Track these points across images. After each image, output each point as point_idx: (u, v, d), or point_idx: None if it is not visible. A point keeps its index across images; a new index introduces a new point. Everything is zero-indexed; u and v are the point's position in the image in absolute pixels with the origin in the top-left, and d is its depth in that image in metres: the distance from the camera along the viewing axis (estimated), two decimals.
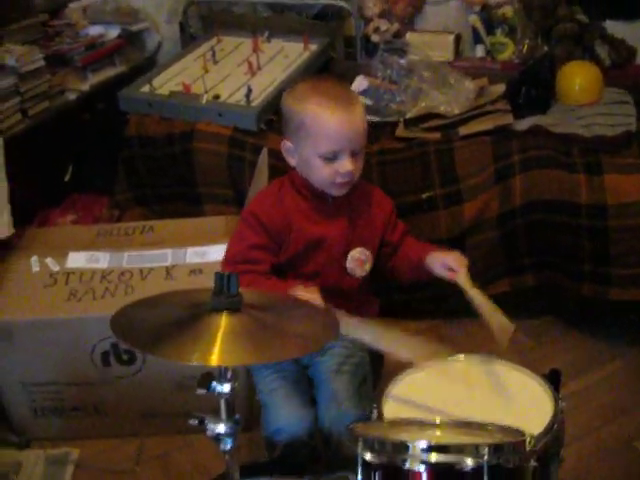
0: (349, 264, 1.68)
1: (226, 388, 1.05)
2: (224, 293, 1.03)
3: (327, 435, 1.57)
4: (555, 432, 1.26)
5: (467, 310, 2.44)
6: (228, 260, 1.66)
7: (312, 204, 1.65)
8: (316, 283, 1.61)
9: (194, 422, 1.09)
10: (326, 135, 1.54)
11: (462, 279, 1.58)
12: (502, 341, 1.48)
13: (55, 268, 2.08)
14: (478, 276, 2.32)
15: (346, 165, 1.55)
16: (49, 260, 2.10)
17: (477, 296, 1.56)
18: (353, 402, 1.56)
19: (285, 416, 1.56)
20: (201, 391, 1.06)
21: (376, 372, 1.74)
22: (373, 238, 1.72)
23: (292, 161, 1.64)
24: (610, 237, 2.17)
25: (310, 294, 1.46)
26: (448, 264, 1.60)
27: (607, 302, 2.23)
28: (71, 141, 2.73)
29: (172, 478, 1.99)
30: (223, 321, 1.01)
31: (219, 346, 0.97)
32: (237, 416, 1.09)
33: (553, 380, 1.39)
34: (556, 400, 1.32)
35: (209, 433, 1.08)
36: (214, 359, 0.96)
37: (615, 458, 1.96)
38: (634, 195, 2.15)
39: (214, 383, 1.05)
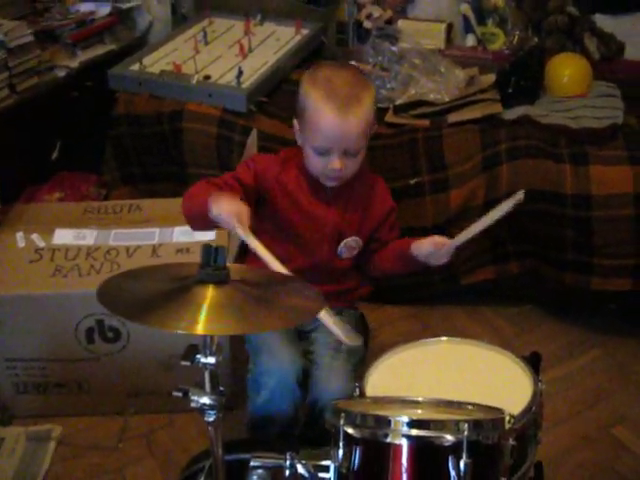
0: (341, 248, 1.72)
1: (210, 360, 1.05)
2: (211, 265, 1.04)
3: (318, 412, 1.59)
4: (534, 413, 1.28)
5: (449, 297, 2.48)
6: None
7: (312, 185, 1.67)
8: (306, 257, 1.67)
9: (178, 394, 1.09)
10: (319, 131, 1.56)
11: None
12: None
13: (41, 244, 2.08)
14: (463, 263, 2.37)
15: (334, 163, 1.57)
16: (35, 236, 2.10)
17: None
18: (349, 382, 1.58)
19: (276, 357, 1.59)
20: (185, 363, 1.06)
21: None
22: (366, 228, 1.75)
23: (298, 140, 1.67)
24: (594, 227, 2.20)
25: (234, 210, 1.42)
26: (434, 244, 1.60)
27: (588, 291, 2.26)
28: (59, 118, 2.71)
29: (155, 456, 2.00)
30: (210, 293, 1.02)
31: (205, 316, 0.98)
32: (221, 388, 1.10)
33: (533, 363, 1.41)
34: (535, 382, 1.34)
35: (193, 404, 1.09)
36: (200, 328, 0.97)
37: (593, 444, 2.00)
38: (618, 187, 2.17)
39: (198, 355, 1.06)
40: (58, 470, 1.96)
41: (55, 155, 2.77)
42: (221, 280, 1.04)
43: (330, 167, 1.58)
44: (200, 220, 1.53)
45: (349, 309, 1.82)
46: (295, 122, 1.66)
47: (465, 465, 1.03)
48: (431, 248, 1.60)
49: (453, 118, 2.34)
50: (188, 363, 1.06)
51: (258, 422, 1.64)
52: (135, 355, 2.01)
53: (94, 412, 2.09)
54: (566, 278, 2.28)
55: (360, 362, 1.67)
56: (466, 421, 1.05)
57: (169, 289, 1.05)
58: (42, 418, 2.09)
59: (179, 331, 0.96)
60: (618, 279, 2.23)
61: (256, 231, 1.44)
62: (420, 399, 1.21)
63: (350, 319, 1.77)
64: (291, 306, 1.10)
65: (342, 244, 1.72)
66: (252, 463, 1.17)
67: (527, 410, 1.26)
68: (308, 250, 1.71)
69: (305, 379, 1.64)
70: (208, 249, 1.03)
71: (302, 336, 1.76)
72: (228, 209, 1.41)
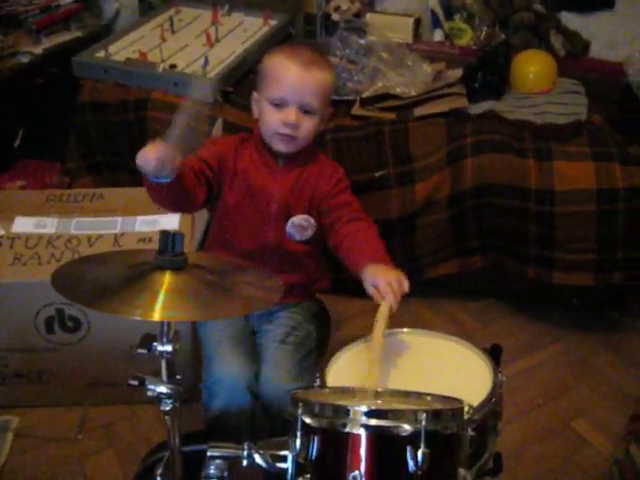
0: (289, 229, 1.70)
1: (167, 347, 1.04)
2: (169, 252, 1.02)
3: (267, 405, 1.59)
4: (493, 404, 1.29)
5: (412, 290, 2.48)
6: None
7: (264, 159, 1.69)
8: (254, 239, 1.66)
9: (134, 382, 1.08)
10: (278, 79, 1.60)
11: (383, 307, 1.44)
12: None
13: (0, 232, 2.04)
14: (427, 257, 2.37)
15: (290, 115, 1.59)
16: None
17: (377, 333, 1.39)
18: (293, 374, 1.59)
19: (226, 366, 1.58)
20: (142, 351, 1.05)
21: (323, 346, 1.76)
22: (315, 205, 1.72)
23: (255, 112, 1.69)
24: (556, 222, 2.21)
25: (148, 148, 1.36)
26: (378, 284, 1.47)
27: (551, 286, 2.28)
28: (23, 105, 2.66)
29: (115, 447, 1.98)
30: (167, 279, 1.01)
31: (162, 302, 0.97)
32: (178, 377, 1.09)
33: (494, 354, 1.42)
34: (496, 373, 1.35)
35: (150, 393, 1.08)
36: (156, 315, 0.95)
37: (553, 436, 2.02)
38: (581, 182, 2.19)
39: (155, 343, 1.04)
40: (16, 462, 1.93)
41: (17, 142, 2.72)
42: (178, 266, 1.03)
43: (285, 120, 1.59)
44: (151, 189, 1.47)
45: (309, 301, 1.81)
46: (253, 94, 1.69)
47: (423, 455, 1.03)
48: (370, 289, 1.49)
49: (419, 112, 2.35)
50: (145, 351, 1.04)
51: (214, 426, 1.62)
52: (95, 345, 1.98)
53: (53, 403, 2.06)
54: (529, 272, 2.29)
55: (309, 354, 1.67)
56: (424, 411, 1.05)
57: (126, 275, 1.04)
58: (0, 409, 2.05)
59: (135, 317, 0.94)
60: (580, 274, 2.25)
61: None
62: (379, 389, 1.21)
63: (309, 310, 1.77)
64: (248, 294, 1.09)
65: (289, 223, 1.69)
66: (209, 453, 1.16)
67: (487, 401, 1.27)
68: (255, 231, 1.69)
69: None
70: (166, 235, 1.02)
71: (254, 332, 1.75)
72: (149, 153, 1.34)
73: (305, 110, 1.61)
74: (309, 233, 1.72)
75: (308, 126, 1.62)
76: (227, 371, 1.57)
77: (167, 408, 1.09)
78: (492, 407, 1.29)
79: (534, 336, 2.37)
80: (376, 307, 1.43)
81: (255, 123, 1.71)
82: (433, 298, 2.49)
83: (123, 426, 2.04)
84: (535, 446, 1.98)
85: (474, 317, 2.44)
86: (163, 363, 1.06)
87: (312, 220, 1.71)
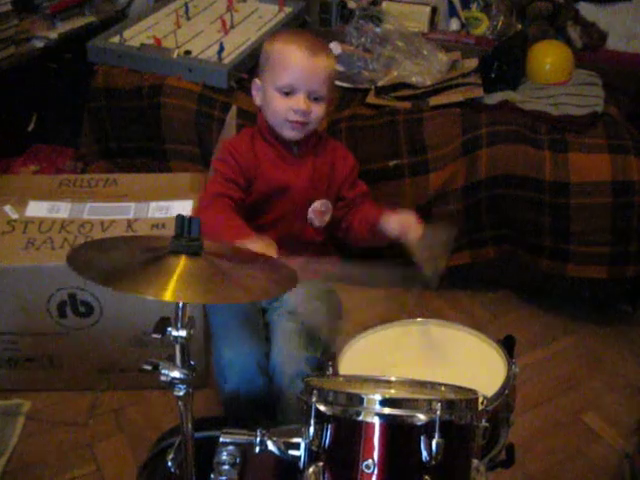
0: (310, 214, 1.71)
1: (182, 333, 1.04)
2: (184, 236, 1.02)
3: (279, 376, 1.58)
4: (506, 396, 1.28)
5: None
6: (210, 193, 1.64)
7: (278, 152, 1.68)
8: (278, 231, 1.63)
9: (148, 367, 1.08)
10: (285, 67, 1.59)
11: (412, 237, 1.56)
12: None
13: (14, 216, 2.04)
14: None
15: (299, 102, 1.59)
16: (8, 208, 2.06)
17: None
18: (304, 343, 1.59)
19: (236, 348, 1.58)
20: (156, 336, 1.04)
21: (334, 331, 1.76)
22: (333, 191, 1.74)
23: (257, 99, 1.68)
24: (571, 214, 2.20)
25: (265, 246, 1.42)
26: (402, 222, 1.59)
27: (564, 278, 2.27)
28: (36, 90, 2.66)
29: (125, 432, 1.99)
30: (182, 263, 1.01)
31: (175, 284, 0.96)
32: (192, 362, 1.09)
33: (508, 346, 1.41)
34: (509, 364, 1.34)
35: (163, 378, 1.07)
36: (168, 295, 0.95)
37: (563, 429, 2.01)
38: (596, 175, 2.18)
39: (169, 328, 1.04)
40: (26, 445, 1.94)
41: (31, 127, 2.72)
42: (194, 251, 1.03)
43: (295, 107, 1.59)
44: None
45: (317, 280, 1.77)
46: (255, 81, 1.68)
47: (437, 445, 1.02)
48: (397, 227, 1.60)
49: (434, 101, 2.33)
50: (159, 336, 1.04)
51: (230, 407, 1.63)
52: (107, 330, 1.99)
53: (64, 387, 2.07)
54: (542, 264, 2.28)
55: (320, 326, 1.66)
56: (439, 401, 1.04)
57: (141, 258, 1.03)
58: (11, 393, 2.06)
59: (148, 297, 0.94)
60: (594, 267, 2.24)
61: None
62: (393, 379, 1.20)
63: (316, 287, 1.75)
64: (262, 280, 1.09)
65: (311, 209, 1.70)
66: (222, 439, 1.15)
67: (500, 392, 1.26)
68: (279, 223, 1.69)
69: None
70: (182, 219, 1.01)
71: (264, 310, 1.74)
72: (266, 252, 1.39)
73: (314, 97, 1.61)
74: (326, 218, 1.74)
75: (317, 112, 1.62)
76: (237, 353, 1.57)
77: (180, 393, 1.09)
78: (505, 399, 1.28)
79: (546, 328, 2.36)
80: (386, 295, 1.46)
81: (259, 112, 1.70)
82: (445, 289, 2.48)
83: (133, 411, 2.05)
84: (545, 439, 1.98)
85: (486, 308, 2.44)
86: (177, 348, 1.06)
87: (329, 204, 1.73)
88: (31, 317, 1.97)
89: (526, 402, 2.04)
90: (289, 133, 1.64)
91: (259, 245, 1.41)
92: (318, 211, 1.72)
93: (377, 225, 1.65)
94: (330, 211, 1.74)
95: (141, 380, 2.05)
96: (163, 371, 1.07)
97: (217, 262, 1.05)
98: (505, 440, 1.31)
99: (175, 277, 0.98)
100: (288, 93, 1.59)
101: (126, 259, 1.04)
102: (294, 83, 1.58)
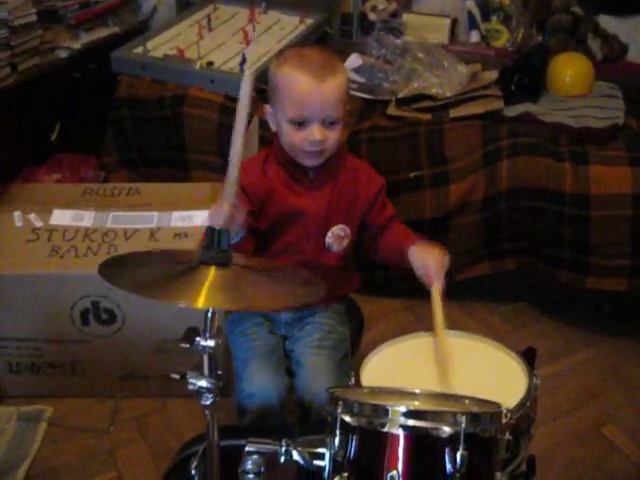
0: (328, 239, 1.64)
1: (210, 343, 1.05)
2: (214, 248, 1.04)
3: (307, 410, 1.57)
4: (528, 408, 1.29)
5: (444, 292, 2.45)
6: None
7: (293, 175, 1.60)
8: (293, 256, 1.60)
9: (176, 376, 1.09)
10: (294, 99, 1.49)
11: (435, 292, 1.53)
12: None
13: (38, 224, 2.08)
14: (460, 258, 2.37)
15: (314, 133, 1.49)
16: (32, 216, 2.10)
17: (437, 311, 1.50)
18: (334, 378, 1.57)
19: (257, 383, 1.56)
20: (185, 345, 1.06)
21: (355, 345, 1.77)
22: (354, 215, 1.66)
23: (272, 126, 1.60)
24: (591, 227, 2.20)
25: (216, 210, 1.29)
26: (428, 268, 1.55)
27: (584, 290, 2.27)
28: (60, 100, 2.70)
29: (146, 440, 2.01)
30: (211, 273, 1.03)
31: (205, 292, 0.99)
32: (219, 372, 1.10)
33: (528, 357, 1.42)
34: (531, 376, 1.34)
35: (191, 387, 1.09)
36: (200, 302, 0.97)
37: (582, 441, 2.01)
38: (617, 187, 2.18)
39: (198, 338, 1.06)
40: (48, 451, 1.96)
41: (54, 136, 2.76)
42: (223, 262, 1.04)
43: (311, 138, 1.50)
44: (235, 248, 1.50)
45: (337, 303, 1.77)
46: (267, 107, 1.58)
47: (462, 457, 1.03)
48: (421, 276, 1.56)
49: (455, 113, 2.35)
50: (187, 345, 1.06)
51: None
52: (129, 338, 2.01)
53: (86, 394, 2.10)
54: (562, 276, 2.28)
55: (345, 357, 1.66)
56: (464, 413, 1.05)
57: (171, 270, 1.05)
58: (34, 398, 2.09)
59: (181, 304, 0.96)
60: (614, 279, 2.24)
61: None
62: (417, 391, 1.20)
63: (338, 312, 1.74)
64: (291, 290, 1.10)
65: (329, 234, 1.63)
66: (247, 448, 1.17)
67: (522, 404, 1.26)
68: (293, 249, 1.63)
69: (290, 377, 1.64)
70: (212, 231, 1.03)
71: (283, 335, 1.72)
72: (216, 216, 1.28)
73: (329, 122, 1.51)
74: (345, 243, 1.66)
75: (334, 137, 1.54)
76: (258, 389, 1.55)
77: (207, 402, 1.10)
78: (527, 410, 1.29)
79: (565, 341, 2.36)
80: (404, 306, 1.46)
81: (276, 141, 1.61)
82: (464, 301, 2.48)
83: (154, 419, 2.07)
84: (564, 451, 1.97)
85: (505, 320, 2.44)
86: (205, 358, 1.08)
87: (348, 230, 1.65)
88: (54, 324, 2.00)
89: (545, 414, 2.04)
90: (308, 162, 1.57)
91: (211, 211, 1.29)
92: (337, 236, 1.64)
93: (404, 255, 1.60)
94: (349, 235, 1.66)
95: (163, 388, 2.07)
96: (191, 380, 1.08)
97: (247, 272, 1.07)
98: (526, 452, 1.32)
99: (206, 286, 1.00)
100: (301, 124, 1.50)
101: (157, 270, 1.06)
102: (306, 114, 1.49)
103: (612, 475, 1.91)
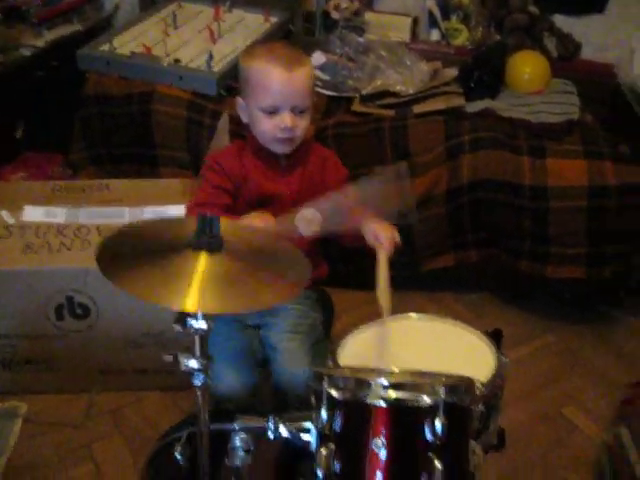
0: (297, 222, 1.67)
1: (202, 325, 1.09)
2: (206, 234, 1.08)
3: (282, 395, 1.63)
4: (498, 382, 1.36)
5: (410, 282, 2.51)
6: (195, 203, 1.68)
7: (266, 162, 1.71)
8: None
9: (168, 358, 1.13)
10: (266, 89, 1.61)
11: (382, 255, 1.61)
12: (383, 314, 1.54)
13: (10, 221, 2.08)
14: (425, 250, 2.44)
15: (285, 120, 1.61)
16: (4, 213, 2.10)
17: (381, 275, 1.59)
18: (308, 360, 1.62)
19: (228, 385, 1.60)
20: (177, 327, 1.10)
21: (327, 332, 1.81)
22: None
23: (244, 118, 1.71)
24: (550, 218, 2.30)
25: (264, 220, 1.51)
26: (378, 237, 1.63)
27: (544, 279, 2.36)
28: (24, 98, 2.69)
29: (122, 432, 2.03)
30: (202, 261, 1.07)
31: (195, 292, 1.04)
32: (210, 353, 1.14)
33: (495, 338, 1.50)
34: (498, 354, 1.42)
35: (183, 368, 1.13)
36: (190, 304, 1.03)
37: (545, 421, 2.10)
38: (573, 179, 2.27)
39: (190, 319, 1.10)
40: (25, 447, 1.96)
41: (19, 134, 2.74)
42: (214, 248, 1.08)
43: (282, 125, 1.61)
44: None
45: (309, 289, 1.78)
46: (238, 99, 1.70)
47: (442, 426, 1.09)
48: (370, 240, 1.64)
49: (418, 109, 2.41)
50: (180, 327, 1.09)
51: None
52: (104, 332, 2.03)
53: (62, 389, 2.10)
54: (523, 266, 2.37)
55: (317, 342, 1.71)
56: (442, 384, 1.12)
57: (161, 255, 1.09)
58: (9, 395, 2.09)
59: (173, 307, 1.02)
60: (572, 268, 2.33)
61: None
62: (396, 370, 1.26)
63: (311, 297, 1.79)
64: (279, 282, 1.15)
65: (298, 216, 1.65)
66: (235, 425, 1.21)
67: (492, 380, 1.34)
68: None
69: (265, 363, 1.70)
70: (203, 218, 1.07)
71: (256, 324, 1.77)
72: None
73: (299, 111, 1.63)
74: (314, 228, 1.67)
75: (303, 124, 1.66)
76: (229, 391, 1.59)
77: (199, 383, 1.14)
78: (497, 385, 1.36)
79: (527, 328, 2.44)
80: (370, 298, 1.54)
81: (249, 132, 1.71)
82: (431, 290, 2.56)
83: (130, 412, 2.08)
84: (529, 429, 2.06)
85: (469, 309, 2.51)
86: (197, 339, 1.12)
87: (319, 215, 1.68)
88: (29, 320, 2.00)
89: (510, 396, 2.10)
90: (279, 148, 1.68)
91: (258, 219, 1.49)
92: (305, 219, 1.68)
93: (358, 228, 1.67)
94: (319, 222, 1.68)
95: (137, 381, 2.09)
96: (182, 361, 1.12)
97: (237, 261, 1.11)
98: (496, 425, 1.40)
99: (196, 280, 1.05)
100: (272, 112, 1.62)
101: (147, 255, 1.09)
102: (277, 103, 1.61)
103: (573, 453, 2.00)
